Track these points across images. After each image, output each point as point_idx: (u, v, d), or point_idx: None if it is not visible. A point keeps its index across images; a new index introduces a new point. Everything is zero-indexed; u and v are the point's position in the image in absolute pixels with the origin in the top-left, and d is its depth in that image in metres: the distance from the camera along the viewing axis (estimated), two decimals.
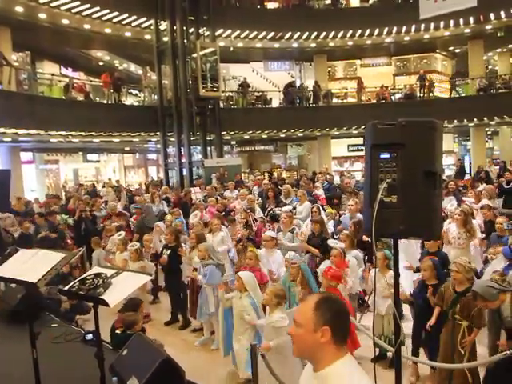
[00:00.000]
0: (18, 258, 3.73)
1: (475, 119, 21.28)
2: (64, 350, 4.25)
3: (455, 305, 4.31)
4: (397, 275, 2.80)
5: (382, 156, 2.54)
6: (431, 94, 21.90)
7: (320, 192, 11.19)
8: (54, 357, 3.97)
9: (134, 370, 3.20)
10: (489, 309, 4.27)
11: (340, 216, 8.83)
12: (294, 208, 9.12)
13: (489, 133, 27.54)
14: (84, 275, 3.03)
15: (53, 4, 14.99)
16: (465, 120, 21.28)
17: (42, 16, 15.89)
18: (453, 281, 4.41)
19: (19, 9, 14.97)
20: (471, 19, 19.86)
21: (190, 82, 17.68)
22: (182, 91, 17.66)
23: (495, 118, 21.00)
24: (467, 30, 21.31)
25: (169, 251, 6.82)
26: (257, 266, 5.68)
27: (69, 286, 3.00)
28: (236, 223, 8.52)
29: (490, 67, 27.87)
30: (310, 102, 22.06)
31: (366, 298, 6.42)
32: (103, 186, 17.22)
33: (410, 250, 6.52)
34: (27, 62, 17.70)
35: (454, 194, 9.62)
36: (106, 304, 2.67)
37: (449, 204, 8.65)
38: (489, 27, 21.00)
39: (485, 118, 21.11)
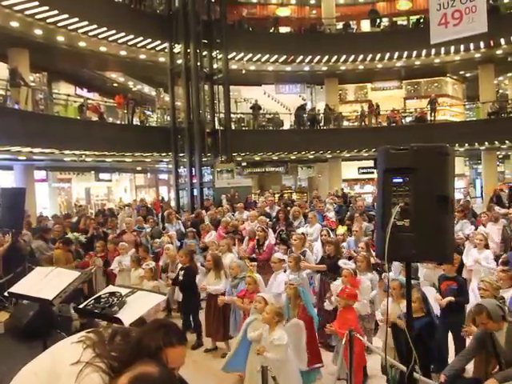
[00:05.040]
0: (34, 275, 3.79)
1: (486, 143, 21.24)
2: None
3: None
4: (409, 299, 2.81)
5: (395, 180, 2.58)
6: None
7: (331, 214, 11.14)
8: None
9: None
10: (484, 330, 4.19)
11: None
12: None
13: (500, 156, 27.46)
14: (99, 293, 3.08)
15: (71, 27, 15.36)
16: (476, 144, 21.26)
17: (60, 38, 16.27)
18: (481, 299, 4.43)
19: (38, 31, 15.36)
20: (481, 44, 19.99)
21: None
22: (194, 113, 17.91)
23: (506, 141, 20.94)
24: (478, 55, 21.42)
25: (183, 271, 6.77)
26: (256, 290, 5.59)
27: (84, 304, 3.05)
28: (243, 243, 8.59)
29: (500, 91, 27.95)
30: (321, 124, 22.21)
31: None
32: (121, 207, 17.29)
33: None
34: (44, 82, 18.10)
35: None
36: (120, 323, 2.71)
37: (467, 229, 8.66)
38: (499, 52, 21.10)
39: (496, 142, 21.08)
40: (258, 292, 5.53)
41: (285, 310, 5.13)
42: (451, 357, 5.48)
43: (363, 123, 22.49)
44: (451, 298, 5.24)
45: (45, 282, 3.49)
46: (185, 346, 2.07)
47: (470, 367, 4.65)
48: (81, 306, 3.09)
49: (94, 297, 3.08)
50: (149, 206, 16.50)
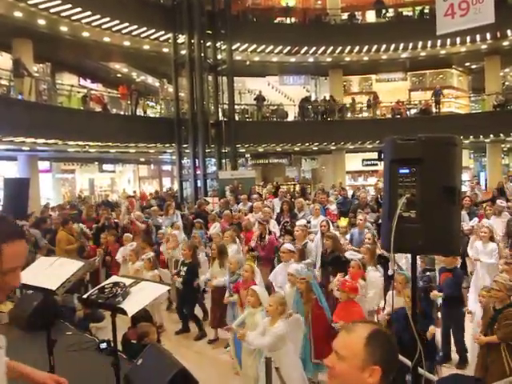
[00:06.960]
0: (38, 265, 3.78)
1: (491, 135, 21.11)
2: (79, 359, 4.27)
3: (494, 323, 4.20)
4: (414, 290, 2.79)
5: (402, 171, 2.54)
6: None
7: (333, 207, 11.10)
8: (69, 365, 3.98)
9: (149, 380, 3.22)
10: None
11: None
12: (309, 222, 9.10)
13: (505, 149, 27.28)
14: (103, 284, 3.07)
15: (74, 17, 15.31)
16: (481, 136, 21.13)
17: (64, 29, 16.23)
18: (494, 299, 4.34)
19: (42, 22, 15.32)
20: (488, 35, 19.79)
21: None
22: (198, 104, 17.86)
23: (511, 134, 20.82)
24: (484, 46, 21.21)
25: (185, 268, 6.76)
26: (252, 280, 5.55)
27: (88, 293, 3.04)
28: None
29: (506, 83, 27.70)
30: (325, 116, 22.11)
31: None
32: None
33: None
34: (47, 73, 18.05)
35: (469, 209, 9.56)
36: (124, 313, 2.70)
37: (471, 221, 8.63)
38: (506, 43, 20.89)
39: (501, 134, 20.93)
40: (253, 281, 5.51)
41: (295, 304, 5.09)
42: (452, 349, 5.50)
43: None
44: (440, 294, 5.34)
45: (49, 272, 3.47)
46: (25, 240, 1.67)
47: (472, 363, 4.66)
48: (85, 296, 3.09)
49: (98, 287, 3.06)
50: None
